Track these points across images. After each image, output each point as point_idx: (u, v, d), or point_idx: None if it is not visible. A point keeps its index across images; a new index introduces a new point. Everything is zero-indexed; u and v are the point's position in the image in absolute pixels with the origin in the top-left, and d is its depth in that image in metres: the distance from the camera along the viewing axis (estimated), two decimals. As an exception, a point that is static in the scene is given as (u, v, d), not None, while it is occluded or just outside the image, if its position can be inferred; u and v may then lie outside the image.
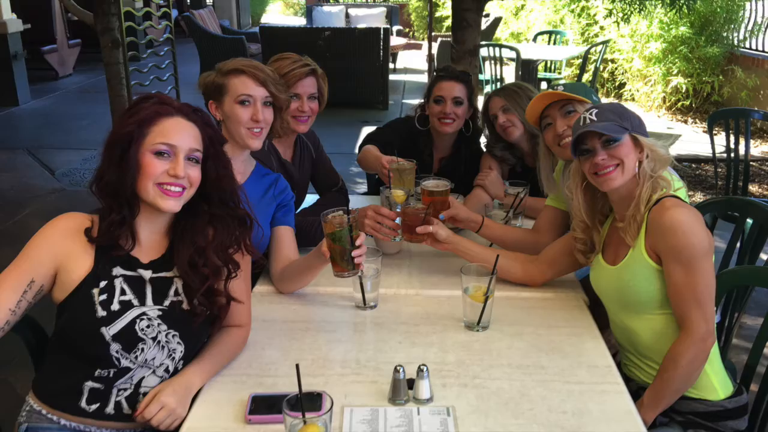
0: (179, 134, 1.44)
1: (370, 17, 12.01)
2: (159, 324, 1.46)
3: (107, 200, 1.45)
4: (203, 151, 1.49)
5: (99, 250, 1.45)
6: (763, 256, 2.26)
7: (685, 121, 7.45)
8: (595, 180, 1.62)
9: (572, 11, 8.42)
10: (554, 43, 8.23)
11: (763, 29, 7.16)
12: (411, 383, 1.43)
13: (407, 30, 13.51)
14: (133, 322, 1.43)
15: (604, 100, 7.10)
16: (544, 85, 7.52)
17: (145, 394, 1.44)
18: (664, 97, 7.62)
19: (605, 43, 7.47)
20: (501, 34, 9.90)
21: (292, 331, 1.73)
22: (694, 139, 6.71)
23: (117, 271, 1.46)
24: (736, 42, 7.38)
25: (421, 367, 1.42)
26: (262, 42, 8.22)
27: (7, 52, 7.58)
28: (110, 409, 1.44)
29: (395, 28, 11.72)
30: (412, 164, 2.32)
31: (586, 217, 1.73)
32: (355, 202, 2.63)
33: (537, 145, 2.21)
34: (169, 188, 1.43)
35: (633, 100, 8.02)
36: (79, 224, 1.46)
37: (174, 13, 6.13)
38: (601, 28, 8.13)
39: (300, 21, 16.82)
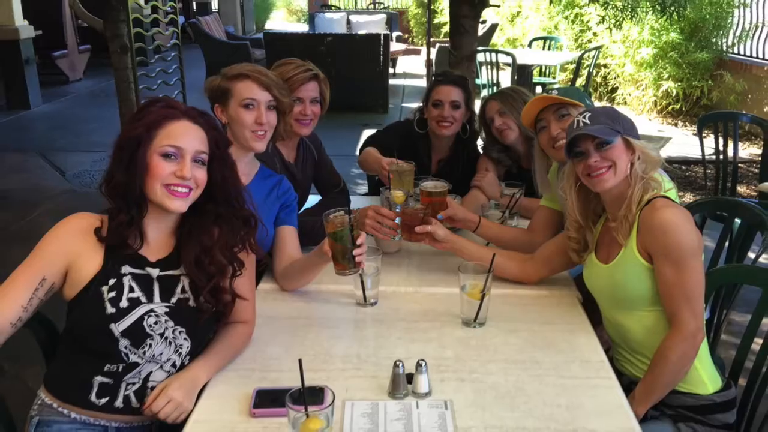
0: (186, 137, 1.44)
1: (371, 24, 12.00)
2: (166, 320, 1.46)
3: (116, 201, 1.45)
4: (209, 153, 1.49)
5: (108, 249, 1.45)
6: (751, 255, 2.27)
7: (676, 124, 7.45)
8: (589, 181, 1.62)
9: (566, 18, 8.42)
10: (549, 49, 8.23)
11: (751, 35, 7.17)
12: (410, 378, 1.43)
13: (406, 36, 13.51)
14: (141, 318, 1.43)
15: (597, 103, 7.10)
16: (539, 89, 7.51)
17: (152, 388, 1.45)
18: (655, 100, 7.63)
19: (598, 48, 7.47)
20: (497, 39, 9.90)
21: (295, 328, 1.73)
22: (684, 142, 6.71)
23: (126, 269, 1.46)
24: (724, 47, 7.39)
25: (420, 362, 1.42)
26: (266, 48, 8.22)
27: (20, 58, 7.59)
28: (119, 402, 1.44)
29: (395, 34, 11.71)
30: (411, 166, 2.32)
31: (580, 217, 1.73)
32: (356, 202, 2.62)
33: (532, 148, 2.21)
34: (176, 189, 1.43)
35: (625, 103, 8.02)
36: (89, 224, 1.46)
37: (181, 19, 6.13)
38: (594, 34, 8.13)
39: (303, 27, 16.82)
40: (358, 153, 2.73)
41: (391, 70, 9.69)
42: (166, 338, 1.46)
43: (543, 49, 8.25)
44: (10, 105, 7.83)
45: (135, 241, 1.47)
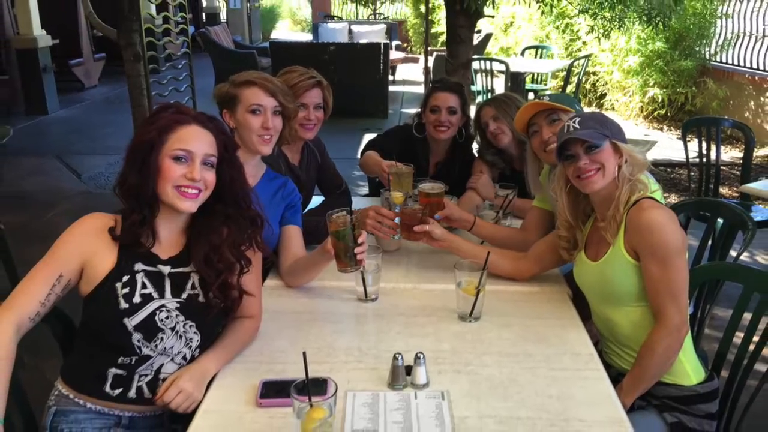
0: (196, 141, 1.44)
1: (371, 33, 11.99)
2: (177, 315, 1.46)
3: (129, 201, 1.45)
4: (218, 156, 1.49)
5: (122, 247, 1.45)
6: (733, 253, 2.27)
7: (661, 129, 7.45)
8: (578, 183, 1.62)
9: (557, 28, 8.42)
10: (540, 57, 8.22)
11: (733, 44, 7.17)
12: (409, 370, 1.43)
13: (405, 45, 13.49)
14: (153, 313, 1.43)
15: (586, 109, 7.09)
16: (531, 95, 7.51)
17: (164, 379, 1.45)
18: (642, 106, 7.62)
19: (587, 57, 7.47)
20: (491, 48, 9.89)
21: (300, 322, 1.73)
22: (669, 146, 6.70)
23: (138, 266, 1.46)
24: (707, 56, 7.38)
25: (418, 354, 1.42)
26: (271, 56, 8.21)
27: (38, 66, 7.59)
28: (132, 393, 1.44)
29: (394, 43, 11.70)
30: (410, 168, 2.32)
31: (570, 216, 1.73)
32: (357, 203, 2.62)
33: (525, 151, 2.21)
34: (186, 190, 1.43)
35: (613, 109, 8.01)
36: (103, 223, 1.46)
37: (191, 29, 6.12)
38: (584, 43, 8.13)
39: (307, 37, 16.82)
40: (359, 156, 2.73)
41: (390, 78, 9.68)
42: (177, 332, 1.46)
43: (535, 57, 8.25)
44: (29, 111, 7.83)
45: (147, 240, 1.47)
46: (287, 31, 20.27)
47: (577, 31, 8.10)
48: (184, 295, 1.49)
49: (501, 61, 6.88)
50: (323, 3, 15.40)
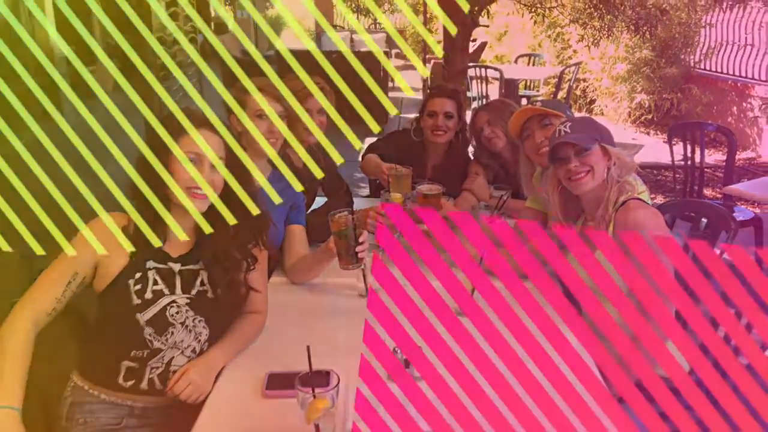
0: (205, 144, 1.45)
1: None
2: (187, 310, 1.46)
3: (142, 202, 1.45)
4: (225, 158, 1.49)
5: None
6: (716, 252, 2.26)
7: (648, 133, 7.45)
8: (569, 184, 1.63)
9: (549, 36, 8.43)
10: (533, 65, 8.22)
11: (716, 52, 7.18)
12: (407, 362, 1.42)
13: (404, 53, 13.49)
14: (164, 308, 1.43)
15: (576, 114, 7.09)
16: (524, 101, 7.51)
17: (174, 371, 1.45)
18: (629, 111, 7.63)
19: (578, 64, 7.47)
20: (486, 56, 9.90)
21: (304, 317, 1.73)
22: (656, 149, 6.70)
23: (150, 264, 1.46)
24: (692, 63, 7.39)
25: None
26: (277, 63, 8.21)
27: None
28: (144, 384, 1.44)
29: (394, 51, 11.71)
30: (409, 170, 2.33)
31: (561, 216, 1.73)
32: (359, 203, 2.62)
33: (518, 154, 2.21)
34: (196, 191, 1.43)
35: (602, 114, 8.02)
36: (117, 223, 1.46)
37: (200, 38, 6.13)
38: (574, 51, 8.14)
39: (310, 45, 16.79)
40: (360, 159, 2.73)
41: (390, 84, 9.67)
42: (187, 326, 1.46)
43: (528, 64, 8.25)
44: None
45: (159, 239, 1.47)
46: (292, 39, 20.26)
47: (568, 40, 8.10)
48: (194, 292, 1.49)
49: (495, 69, 6.88)
50: (326, 13, 15.42)
